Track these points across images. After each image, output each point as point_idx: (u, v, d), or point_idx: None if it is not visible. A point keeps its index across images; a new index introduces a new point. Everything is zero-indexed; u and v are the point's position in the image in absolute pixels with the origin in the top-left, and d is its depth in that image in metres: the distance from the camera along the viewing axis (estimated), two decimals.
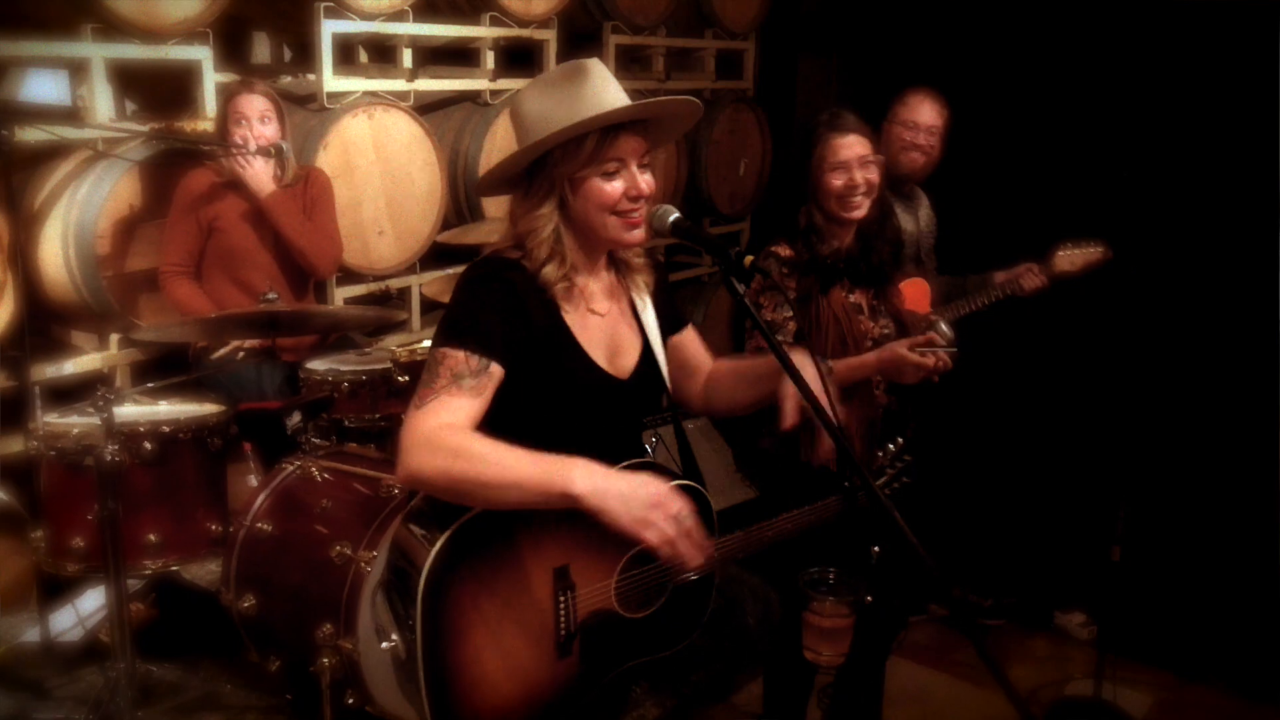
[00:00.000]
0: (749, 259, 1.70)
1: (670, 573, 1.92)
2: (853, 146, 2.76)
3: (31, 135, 3.08)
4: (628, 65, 5.44)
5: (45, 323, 3.77)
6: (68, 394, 3.23)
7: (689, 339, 2.19)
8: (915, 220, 3.79)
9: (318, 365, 3.16)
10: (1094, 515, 3.60)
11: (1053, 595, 4.03)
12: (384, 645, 1.84)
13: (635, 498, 1.64)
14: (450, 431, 1.70)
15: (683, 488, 1.85)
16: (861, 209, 2.78)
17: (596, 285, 1.97)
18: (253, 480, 3.19)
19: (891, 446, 2.37)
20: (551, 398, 1.87)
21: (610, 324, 1.98)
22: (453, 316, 1.82)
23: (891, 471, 2.38)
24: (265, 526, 2.78)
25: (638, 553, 1.88)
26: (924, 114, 3.66)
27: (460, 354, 1.76)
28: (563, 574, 1.83)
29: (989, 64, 4.41)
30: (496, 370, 1.78)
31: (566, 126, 1.78)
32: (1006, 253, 3.70)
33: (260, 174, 3.39)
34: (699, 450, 4.14)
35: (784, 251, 2.78)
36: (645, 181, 1.86)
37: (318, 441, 2.93)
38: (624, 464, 1.89)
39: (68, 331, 3.81)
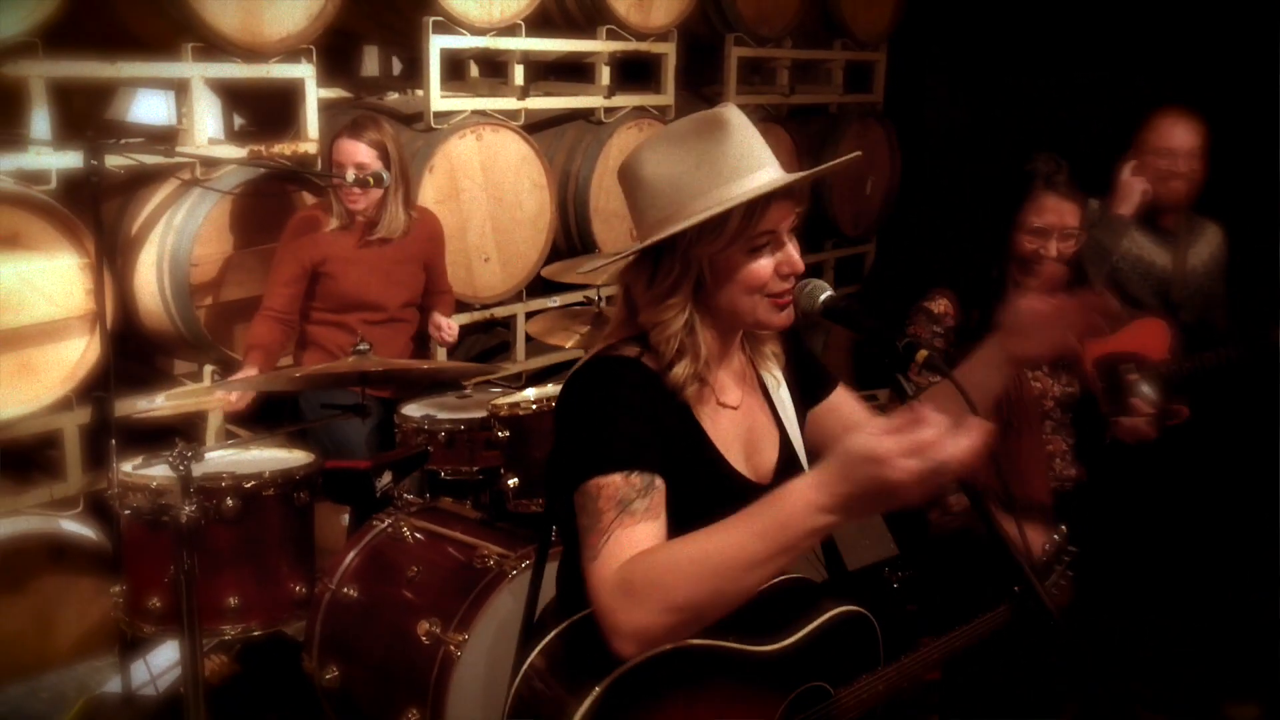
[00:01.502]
0: (923, 353, 1.37)
1: (840, 704, 1.61)
2: (1061, 213, 2.47)
3: (122, 160, 2.91)
4: (750, 78, 5.14)
5: (147, 353, 3.66)
6: (162, 430, 3.09)
7: (841, 401, 1.81)
8: (1176, 256, 3.34)
9: (413, 411, 2.94)
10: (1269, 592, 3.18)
11: (1220, 683, 3.57)
12: None
13: (866, 488, 1.23)
14: (637, 563, 1.38)
15: (839, 616, 1.61)
16: (1044, 279, 2.47)
17: (726, 373, 1.67)
18: (345, 520, 3.00)
19: (1056, 537, 2.01)
20: (689, 512, 1.55)
21: (745, 417, 1.67)
22: (586, 438, 1.50)
23: (1059, 568, 2.02)
24: (351, 592, 2.59)
25: (801, 694, 1.59)
26: (1178, 136, 3.25)
27: (617, 478, 1.44)
28: None
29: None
30: (661, 484, 1.47)
31: (722, 209, 1.46)
32: None
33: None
34: None
35: (939, 307, 2.43)
36: (797, 255, 1.54)
37: (410, 497, 2.71)
38: (773, 583, 1.60)
39: (170, 362, 3.69)
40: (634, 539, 1.41)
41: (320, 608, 2.59)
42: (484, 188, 3.87)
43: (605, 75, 4.32)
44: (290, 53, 3.44)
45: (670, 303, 1.51)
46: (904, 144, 5.63)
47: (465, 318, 4.01)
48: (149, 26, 3.40)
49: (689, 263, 1.50)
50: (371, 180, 3.02)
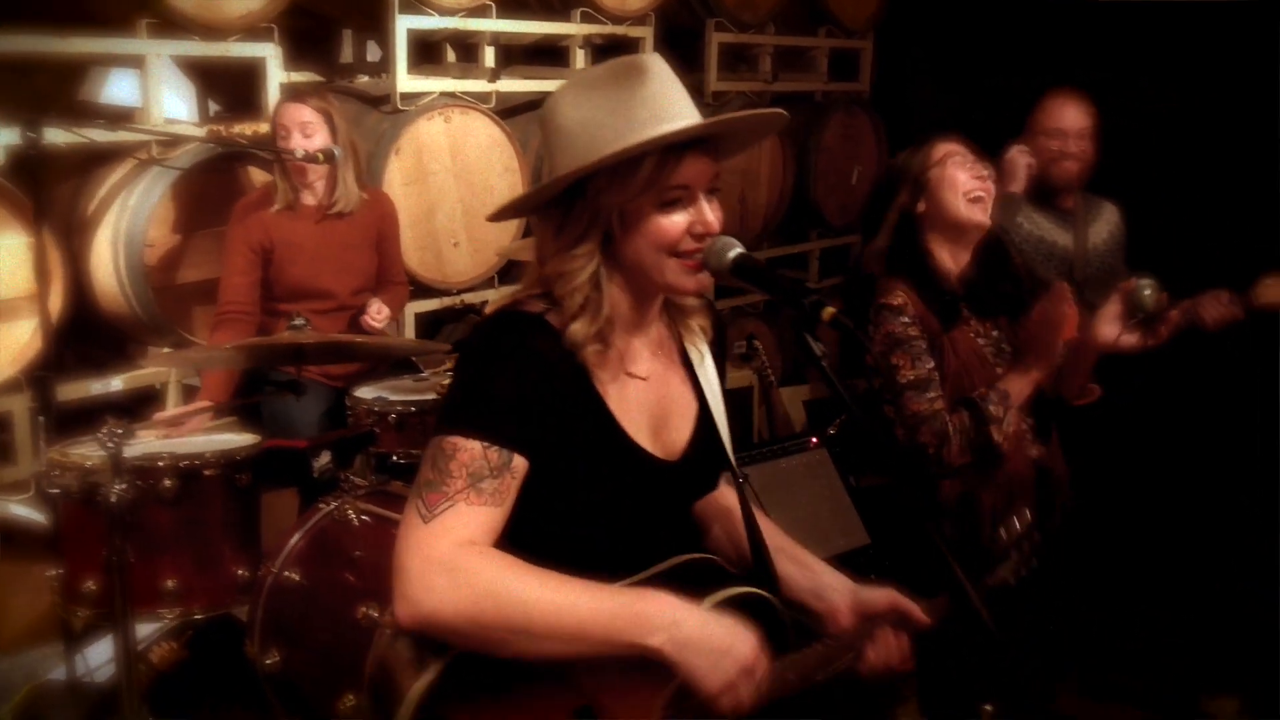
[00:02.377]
0: (829, 310, 1.30)
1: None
2: (976, 167, 2.41)
3: (69, 138, 2.86)
4: (732, 65, 5.07)
5: (105, 334, 3.60)
6: (128, 410, 3.02)
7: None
8: (1076, 236, 3.34)
9: (365, 393, 2.88)
10: (1250, 588, 3.11)
11: (1199, 677, 3.49)
12: None
13: (729, 658, 1.34)
14: (477, 558, 1.33)
15: (749, 599, 1.50)
16: (986, 213, 2.40)
17: (640, 341, 1.57)
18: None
19: (1017, 524, 1.89)
20: (582, 489, 1.48)
21: (655, 389, 1.57)
22: (463, 393, 1.44)
23: (1016, 557, 1.90)
24: (294, 575, 2.53)
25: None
26: (1068, 117, 3.23)
27: (476, 445, 1.37)
28: (585, 717, 1.43)
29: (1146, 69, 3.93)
30: (520, 465, 1.41)
31: (625, 148, 1.38)
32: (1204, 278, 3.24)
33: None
34: (804, 491, 3.78)
35: (897, 299, 2.36)
36: (714, 214, 1.47)
37: (357, 480, 2.64)
38: (675, 561, 1.52)
39: (129, 344, 3.63)
40: (475, 519, 1.36)
41: (263, 591, 2.53)
42: (453, 171, 3.81)
43: (580, 59, 4.25)
44: (252, 31, 3.38)
45: (576, 253, 1.44)
46: (891, 134, 5.55)
47: (435, 304, 3.95)
48: (109, 4, 3.35)
49: (598, 212, 1.43)
50: (321, 157, 2.95)
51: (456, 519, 1.35)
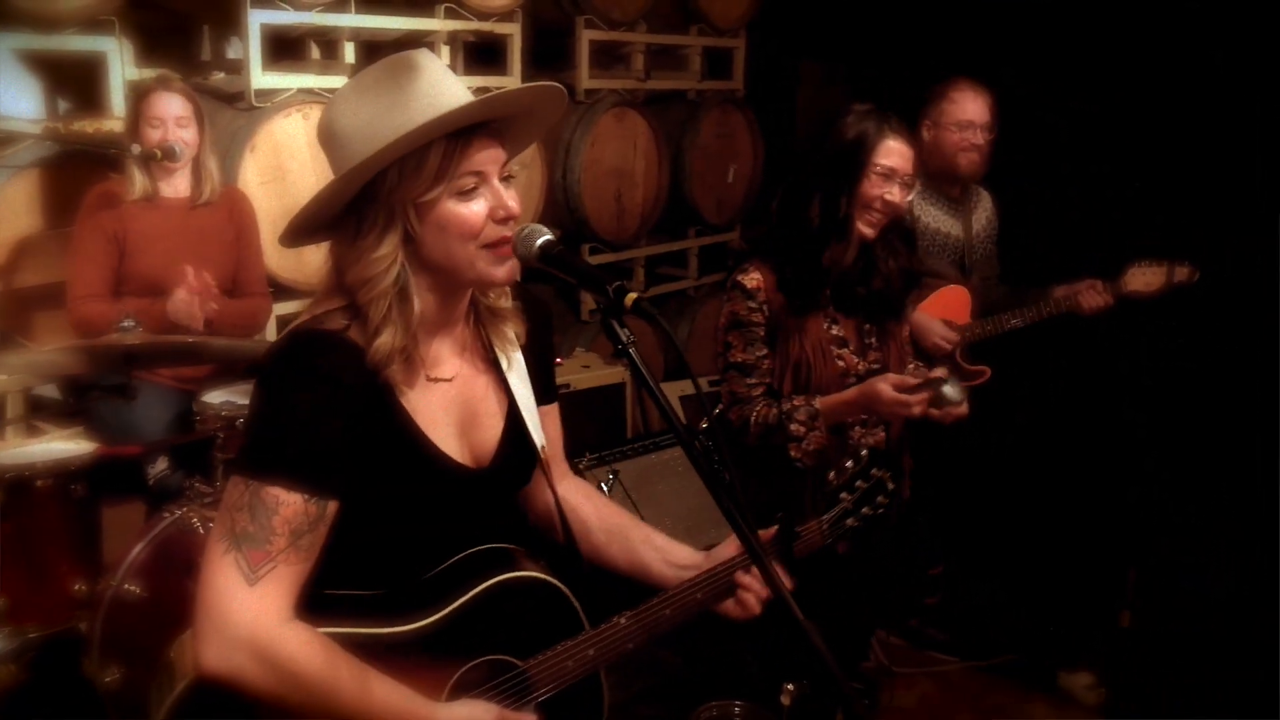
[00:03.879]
0: (632, 296, 1.30)
1: (531, 677, 1.51)
2: (906, 159, 2.42)
3: None
4: (606, 64, 5.06)
5: None
6: None
7: (547, 423, 1.70)
8: (964, 224, 3.43)
9: (213, 397, 2.78)
10: (1103, 565, 3.23)
11: (1057, 652, 3.61)
12: None
13: None
14: (294, 646, 1.35)
15: (535, 584, 1.52)
16: (876, 229, 2.44)
17: (445, 342, 1.55)
18: None
19: (850, 463, 1.88)
20: (390, 508, 1.47)
21: (461, 391, 1.55)
22: (272, 431, 1.39)
23: (848, 497, 1.83)
24: (134, 588, 2.44)
25: (474, 668, 1.50)
26: (976, 110, 3.29)
27: (298, 500, 1.36)
28: None
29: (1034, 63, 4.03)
30: (333, 510, 1.40)
31: (401, 137, 1.35)
32: (1076, 266, 3.36)
33: (183, 307, 2.87)
34: (677, 484, 3.79)
35: (751, 281, 2.39)
36: (512, 198, 1.45)
37: (203, 487, 2.56)
38: (467, 553, 1.53)
39: None
40: (292, 579, 1.38)
41: (101, 607, 2.44)
42: (313, 169, 3.71)
43: (445, 55, 4.18)
44: (92, 24, 3.25)
45: (375, 257, 1.41)
46: (768, 132, 5.61)
47: (295, 305, 3.84)
48: None
49: (392, 210, 1.41)
50: (159, 154, 2.86)
51: (278, 584, 1.36)
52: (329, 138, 1.46)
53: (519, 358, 1.62)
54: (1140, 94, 3.81)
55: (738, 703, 1.57)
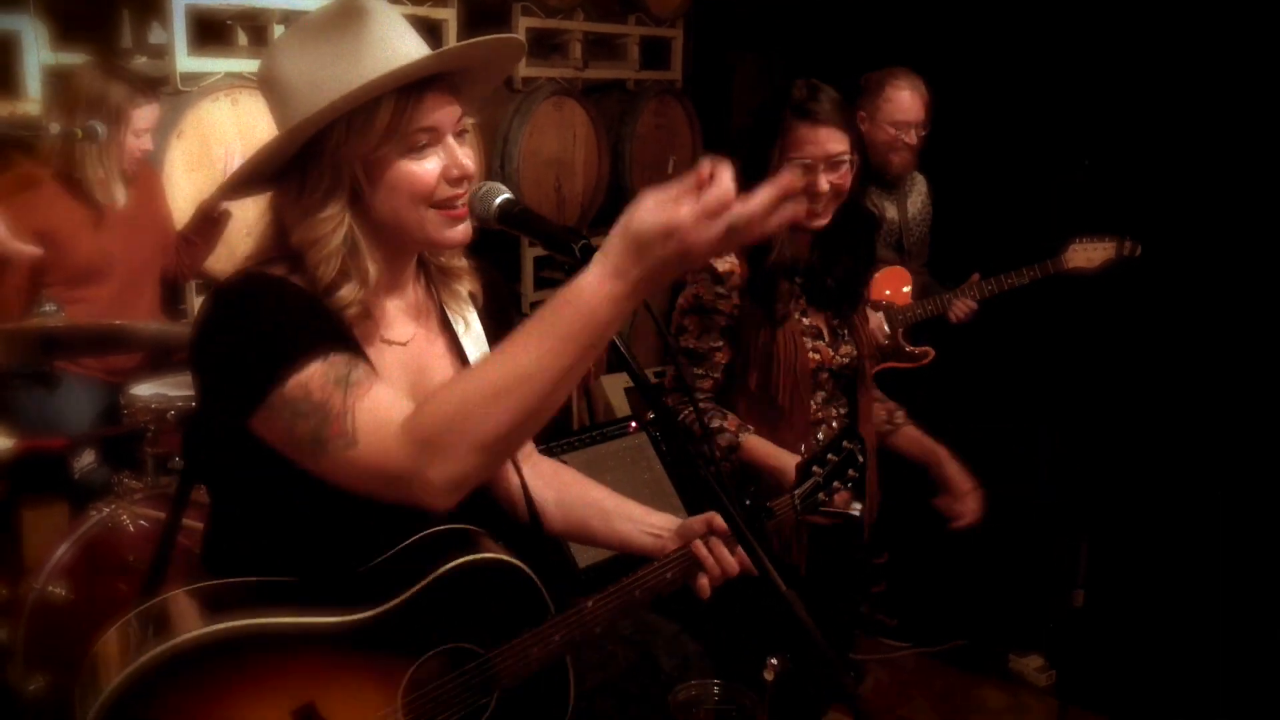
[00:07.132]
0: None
1: (495, 667, 1.43)
2: (824, 143, 2.20)
3: None
4: (544, 52, 4.98)
5: None
6: None
7: None
8: (901, 208, 3.47)
9: (142, 389, 2.65)
10: (1053, 549, 3.24)
11: (1007, 636, 3.62)
12: None
13: (667, 262, 1.12)
14: (425, 414, 1.21)
15: (498, 566, 1.43)
16: (821, 219, 2.24)
17: (396, 304, 1.47)
18: None
19: (820, 436, 1.80)
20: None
21: (415, 356, 1.47)
22: (262, 346, 1.28)
23: (819, 471, 1.79)
24: (60, 590, 2.31)
25: (434, 658, 1.40)
26: (912, 109, 3.31)
27: (316, 366, 1.25)
28: (305, 717, 1.30)
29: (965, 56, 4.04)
30: (362, 358, 1.32)
31: (350, 92, 1.27)
32: (1012, 247, 3.39)
33: None
34: (624, 475, 3.73)
35: (724, 264, 2.25)
36: (467, 156, 1.37)
37: (133, 483, 2.43)
38: (424, 534, 1.44)
39: None
40: (385, 399, 1.25)
41: (23, 612, 2.31)
42: (242, 155, 3.58)
43: None
44: (3, 3, 3.09)
45: (323, 216, 1.33)
46: (707, 122, 5.58)
47: None
48: None
49: (339, 167, 1.32)
50: (81, 133, 2.73)
51: (372, 414, 1.24)
52: (270, 86, 1.37)
53: (475, 322, 1.54)
54: (1074, 75, 3.84)
55: (717, 682, 1.52)
